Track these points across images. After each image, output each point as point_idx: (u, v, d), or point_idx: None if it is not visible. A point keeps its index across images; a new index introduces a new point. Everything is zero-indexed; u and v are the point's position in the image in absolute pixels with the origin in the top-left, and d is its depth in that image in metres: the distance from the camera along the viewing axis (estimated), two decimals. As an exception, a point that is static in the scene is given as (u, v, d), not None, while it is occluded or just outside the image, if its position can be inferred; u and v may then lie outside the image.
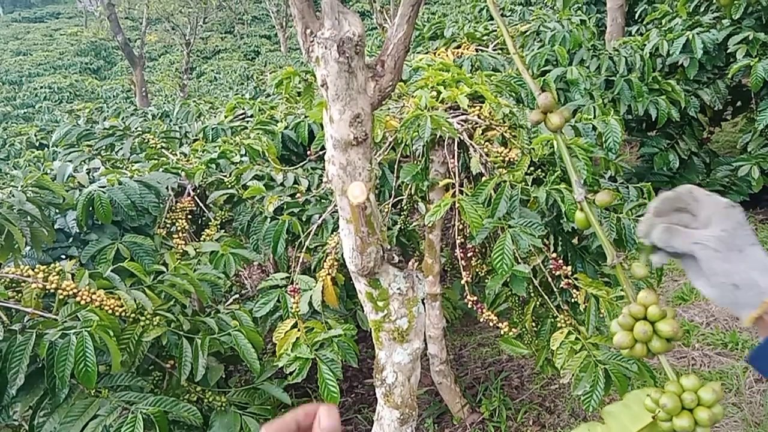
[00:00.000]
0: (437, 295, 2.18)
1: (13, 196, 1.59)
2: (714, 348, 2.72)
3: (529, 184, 1.80)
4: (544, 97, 0.53)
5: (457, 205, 1.72)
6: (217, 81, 16.31)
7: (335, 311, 1.85)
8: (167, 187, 1.99)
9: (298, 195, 2.05)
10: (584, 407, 1.56)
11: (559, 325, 1.76)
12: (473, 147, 1.85)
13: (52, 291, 1.38)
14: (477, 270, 2.04)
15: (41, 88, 17.38)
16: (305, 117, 2.59)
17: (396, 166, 2.01)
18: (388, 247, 1.35)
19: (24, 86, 18.27)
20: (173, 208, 2.03)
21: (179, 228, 1.99)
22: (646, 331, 0.44)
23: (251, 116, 3.17)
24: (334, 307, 1.82)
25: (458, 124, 1.88)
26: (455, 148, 1.86)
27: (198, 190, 2.15)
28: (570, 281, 1.72)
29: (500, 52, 3.20)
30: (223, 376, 1.66)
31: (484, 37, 3.55)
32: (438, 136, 1.86)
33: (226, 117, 3.23)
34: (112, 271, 1.58)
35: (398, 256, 1.39)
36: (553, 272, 1.73)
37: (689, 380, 0.43)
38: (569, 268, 1.73)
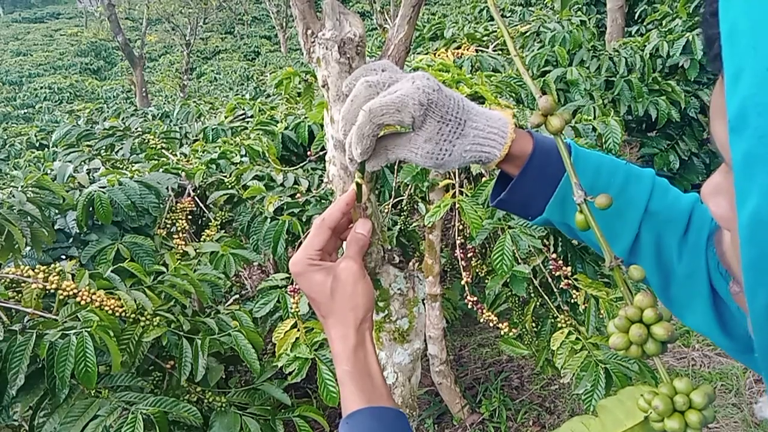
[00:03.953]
0: (437, 296, 2.18)
1: (13, 196, 1.59)
2: (714, 348, 2.72)
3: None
4: (544, 100, 0.53)
5: (457, 205, 1.72)
6: (218, 81, 16.31)
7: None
8: (167, 188, 1.99)
9: (298, 195, 2.05)
10: (585, 407, 1.56)
11: (559, 325, 1.76)
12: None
13: (52, 291, 1.38)
14: (477, 270, 2.04)
15: (41, 88, 17.38)
16: (305, 117, 2.59)
17: (396, 167, 2.01)
18: (389, 247, 1.35)
19: (24, 86, 18.27)
20: (173, 208, 2.03)
21: (179, 228, 1.99)
22: (641, 334, 0.45)
23: (251, 117, 3.17)
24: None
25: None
26: (455, 148, 1.86)
27: (198, 191, 2.15)
28: (570, 282, 1.72)
29: (500, 52, 3.20)
30: (223, 376, 1.66)
31: (484, 38, 3.55)
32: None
33: (226, 117, 3.23)
34: (112, 271, 1.58)
35: (399, 256, 1.39)
36: (553, 273, 1.73)
37: (682, 383, 0.44)
38: (569, 268, 1.73)
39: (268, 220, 1.93)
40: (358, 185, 0.67)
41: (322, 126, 2.34)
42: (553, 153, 0.62)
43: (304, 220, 1.96)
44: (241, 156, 2.37)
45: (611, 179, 0.62)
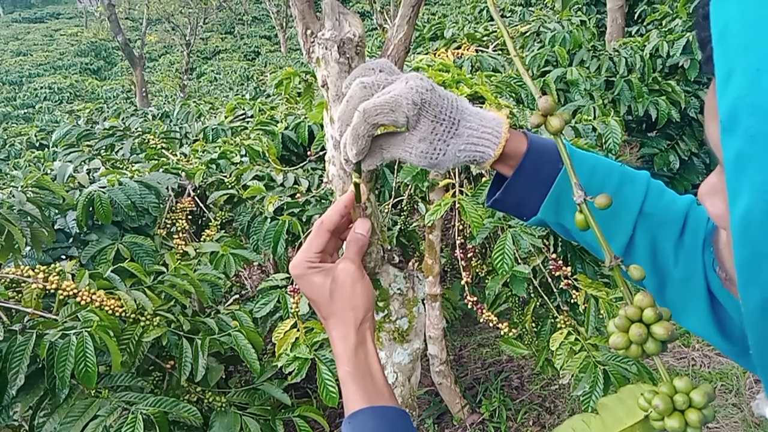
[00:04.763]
0: (437, 296, 2.18)
1: (13, 196, 1.59)
2: (714, 348, 2.72)
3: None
4: (544, 100, 0.53)
5: (457, 205, 1.72)
6: (218, 81, 16.29)
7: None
8: (167, 188, 1.99)
9: (298, 195, 2.05)
10: (583, 408, 1.56)
11: (559, 325, 1.76)
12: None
13: (52, 291, 1.38)
14: (477, 270, 2.04)
15: (41, 88, 17.37)
16: (305, 117, 2.59)
17: (396, 166, 2.01)
18: (389, 247, 1.35)
19: (24, 86, 18.26)
20: (173, 208, 2.03)
21: (179, 228, 1.99)
22: (641, 334, 0.45)
23: (251, 117, 3.17)
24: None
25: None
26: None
27: (198, 191, 2.15)
28: (570, 282, 1.72)
29: (500, 52, 3.20)
30: (223, 376, 1.66)
31: (484, 38, 3.55)
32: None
33: (226, 117, 3.23)
34: (112, 271, 1.58)
35: (398, 256, 1.39)
36: (553, 273, 1.73)
37: (682, 382, 0.44)
38: (569, 268, 1.73)
39: (268, 220, 1.93)
40: (356, 185, 0.67)
41: (322, 126, 2.34)
42: (547, 153, 0.62)
43: (304, 220, 1.96)
44: (241, 156, 2.38)
45: (606, 180, 0.62)
